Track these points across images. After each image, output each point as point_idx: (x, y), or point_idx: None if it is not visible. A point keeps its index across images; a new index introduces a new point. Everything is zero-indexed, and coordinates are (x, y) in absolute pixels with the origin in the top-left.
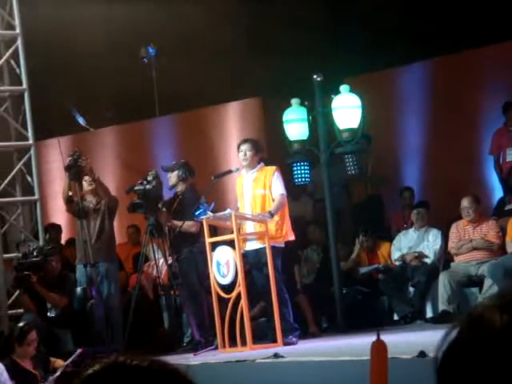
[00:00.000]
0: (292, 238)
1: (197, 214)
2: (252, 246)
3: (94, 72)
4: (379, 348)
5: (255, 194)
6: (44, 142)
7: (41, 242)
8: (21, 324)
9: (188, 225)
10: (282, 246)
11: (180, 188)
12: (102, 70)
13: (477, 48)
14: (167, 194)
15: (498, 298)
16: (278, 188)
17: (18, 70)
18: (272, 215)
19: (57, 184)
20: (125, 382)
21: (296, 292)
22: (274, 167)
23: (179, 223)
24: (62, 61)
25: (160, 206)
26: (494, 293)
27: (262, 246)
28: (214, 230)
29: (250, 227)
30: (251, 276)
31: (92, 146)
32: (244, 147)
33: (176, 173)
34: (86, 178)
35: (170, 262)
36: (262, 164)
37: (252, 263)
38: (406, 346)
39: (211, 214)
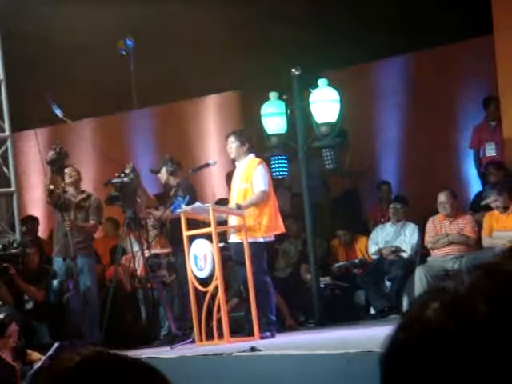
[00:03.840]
0: (278, 231)
1: (172, 208)
2: (234, 239)
3: (72, 63)
4: None
5: (239, 189)
6: (20, 133)
7: (17, 234)
8: (1, 316)
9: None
10: (262, 241)
11: (172, 182)
12: (80, 61)
13: (456, 42)
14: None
15: (438, 296)
16: (258, 184)
17: None
18: (239, 207)
19: (33, 176)
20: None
21: None
22: (257, 161)
23: (158, 213)
24: (40, 51)
25: (138, 197)
26: (428, 289)
27: (242, 240)
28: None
29: (233, 220)
30: (231, 267)
31: (69, 138)
32: (229, 139)
33: (164, 169)
34: (67, 169)
35: (146, 254)
36: (251, 156)
37: (234, 256)
38: (381, 340)
39: (185, 207)
